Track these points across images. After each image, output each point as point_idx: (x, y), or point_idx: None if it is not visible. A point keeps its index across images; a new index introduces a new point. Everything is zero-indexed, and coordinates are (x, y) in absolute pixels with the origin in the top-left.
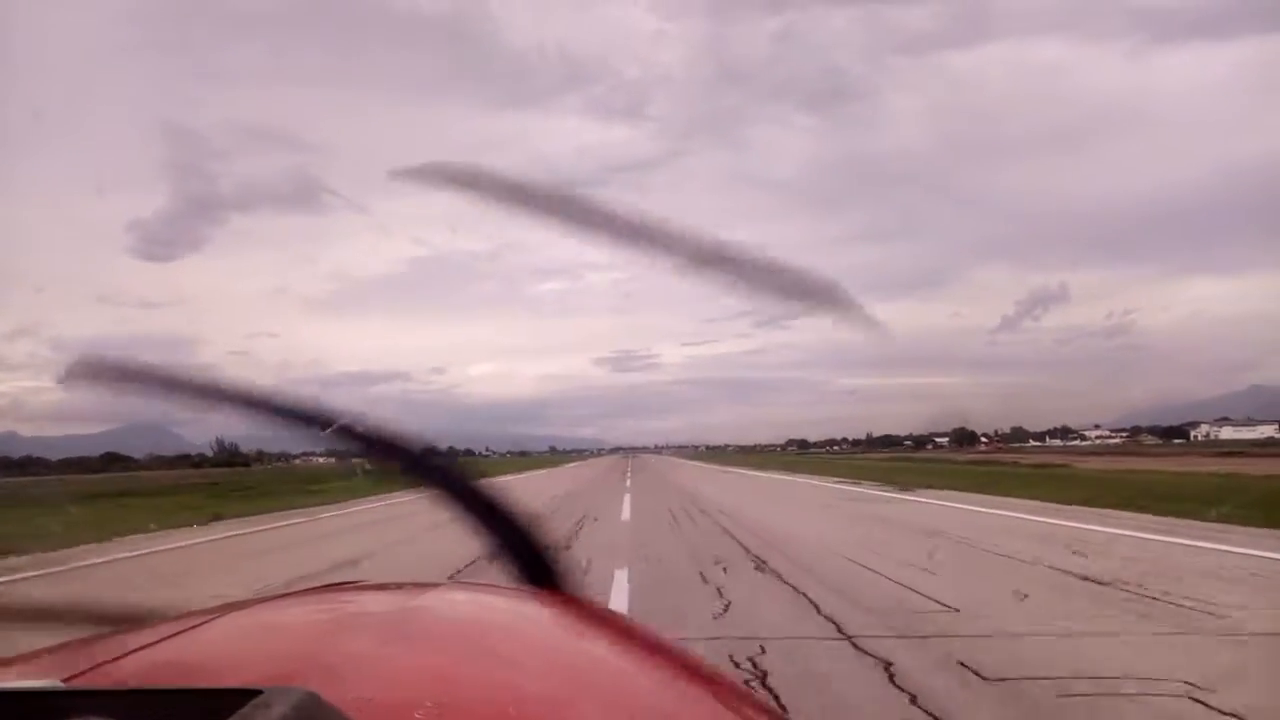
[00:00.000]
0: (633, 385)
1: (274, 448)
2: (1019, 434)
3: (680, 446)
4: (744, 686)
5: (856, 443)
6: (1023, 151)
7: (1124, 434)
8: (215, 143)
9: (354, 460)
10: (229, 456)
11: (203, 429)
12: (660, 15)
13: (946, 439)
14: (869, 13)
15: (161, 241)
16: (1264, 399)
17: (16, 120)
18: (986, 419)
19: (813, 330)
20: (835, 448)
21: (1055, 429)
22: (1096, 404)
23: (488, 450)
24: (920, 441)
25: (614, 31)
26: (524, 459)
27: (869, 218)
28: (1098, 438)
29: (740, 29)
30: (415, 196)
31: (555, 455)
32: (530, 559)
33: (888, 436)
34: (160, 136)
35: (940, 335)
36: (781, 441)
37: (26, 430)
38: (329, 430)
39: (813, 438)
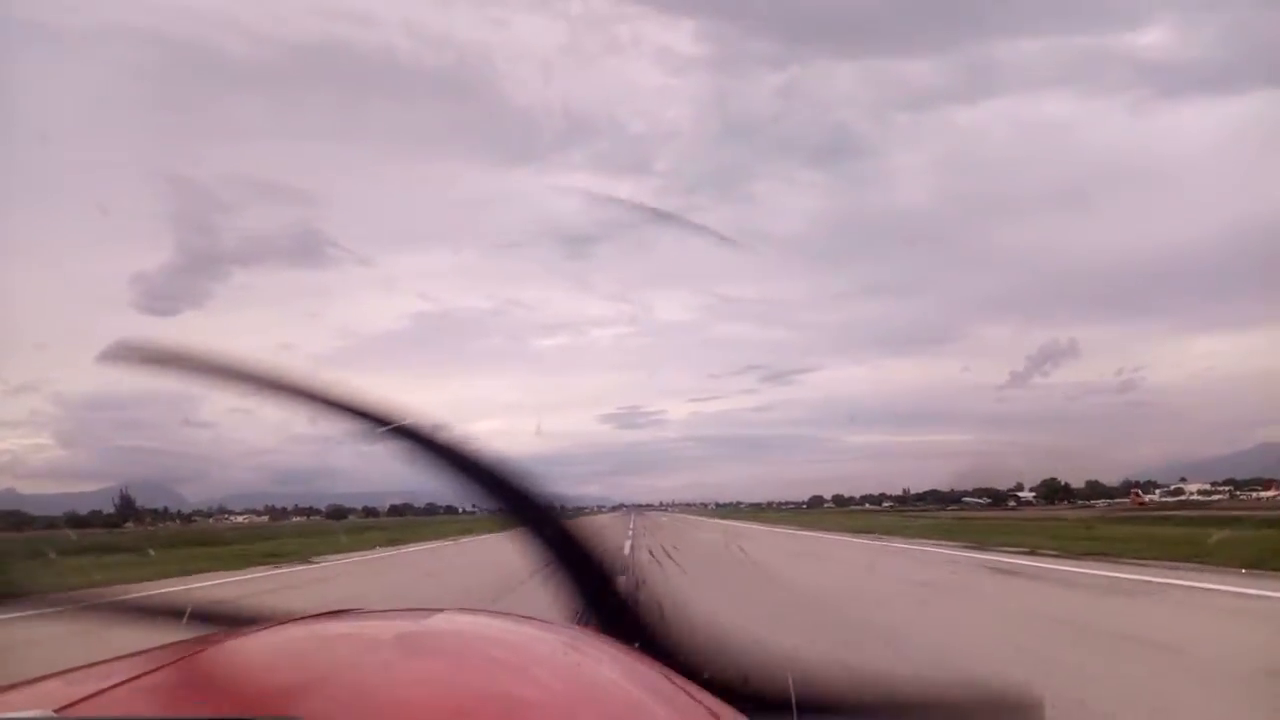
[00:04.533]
0: (638, 442)
1: (201, 504)
2: (1093, 489)
3: (688, 504)
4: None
5: (900, 499)
6: (1029, 207)
7: (1225, 488)
8: (218, 196)
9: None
10: (120, 516)
11: (206, 487)
12: (665, 71)
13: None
14: (872, 68)
15: (164, 296)
16: (1274, 456)
17: (16, 173)
18: (1015, 474)
19: (818, 388)
20: (888, 503)
21: (1135, 482)
22: (1107, 461)
23: (474, 507)
24: (951, 499)
25: (619, 88)
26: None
27: (874, 273)
28: (1199, 492)
29: (744, 84)
30: (419, 253)
31: None
32: (610, 607)
33: (933, 491)
34: (162, 190)
35: (949, 391)
36: (801, 499)
37: (25, 488)
38: (387, 429)
39: (825, 494)
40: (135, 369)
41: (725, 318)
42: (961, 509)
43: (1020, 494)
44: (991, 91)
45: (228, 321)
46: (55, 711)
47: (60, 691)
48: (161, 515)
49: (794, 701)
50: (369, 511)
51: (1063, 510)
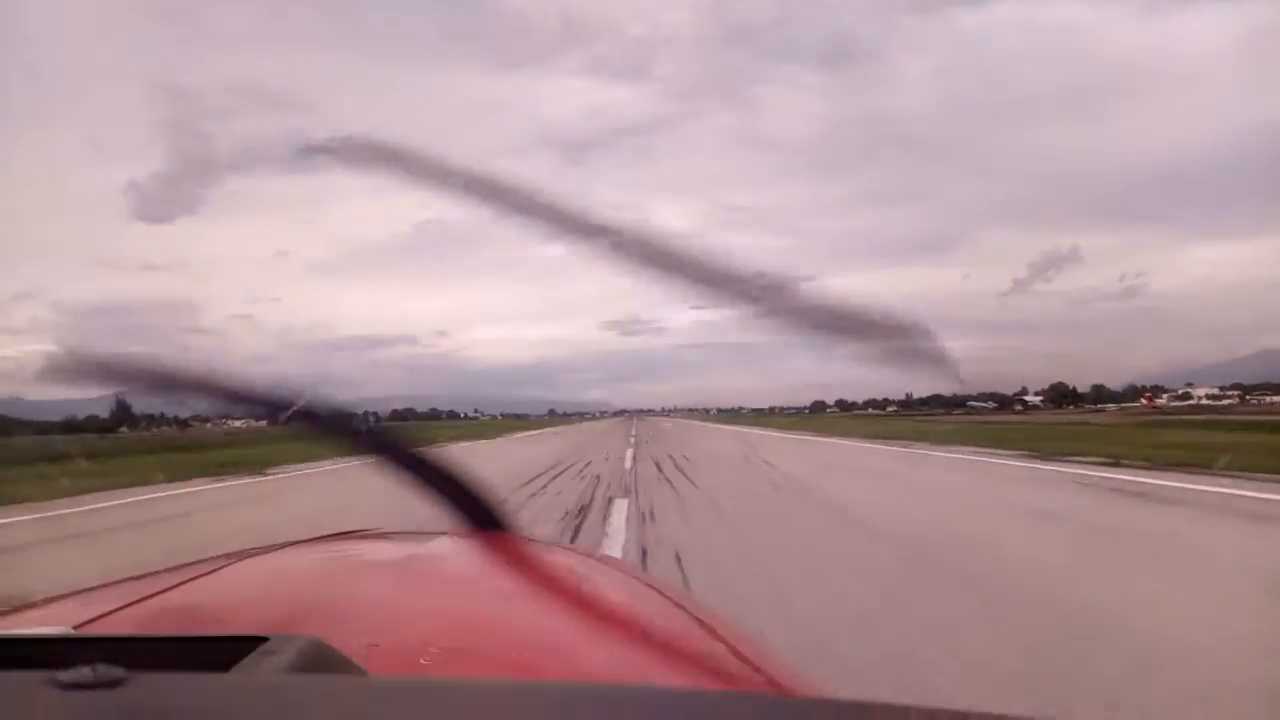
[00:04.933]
0: (639, 349)
1: (207, 413)
2: (1099, 394)
3: (690, 409)
4: (736, 624)
5: (903, 403)
6: (1034, 113)
7: (1233, 392)
8: (210, 102)
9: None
10: (114, 421)
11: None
12: None
13: (990, 402)
14: None
15: (159, 203)
16: (1274, 363)
17: (10, 85)
18: (1018, 380)
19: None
20: (892, 408)
21: (1129, 388)
22: (1108, 367)
23: (476, 412)
24: (955, 403)
25: None
26: (516, 422)
27: (877, 180)
28: (1207, 396)
29: None
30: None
31: (553, 419)
32: (481, 512)
33: (936, 396)
34: (154, 97)
35: (950, 298)
36: (802, 404)
37: (32, 395)
38: (287, 415)
39: (826, 399)
40: (71, 380)
41: (726, 225)
42: (968, 413)
43: (1026, 398)
44: None
45: (223, 228)
46: (73, 628)
47: (77, 609)
48: (158, 420)
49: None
50: (367, 416)
51: (1073, 414)
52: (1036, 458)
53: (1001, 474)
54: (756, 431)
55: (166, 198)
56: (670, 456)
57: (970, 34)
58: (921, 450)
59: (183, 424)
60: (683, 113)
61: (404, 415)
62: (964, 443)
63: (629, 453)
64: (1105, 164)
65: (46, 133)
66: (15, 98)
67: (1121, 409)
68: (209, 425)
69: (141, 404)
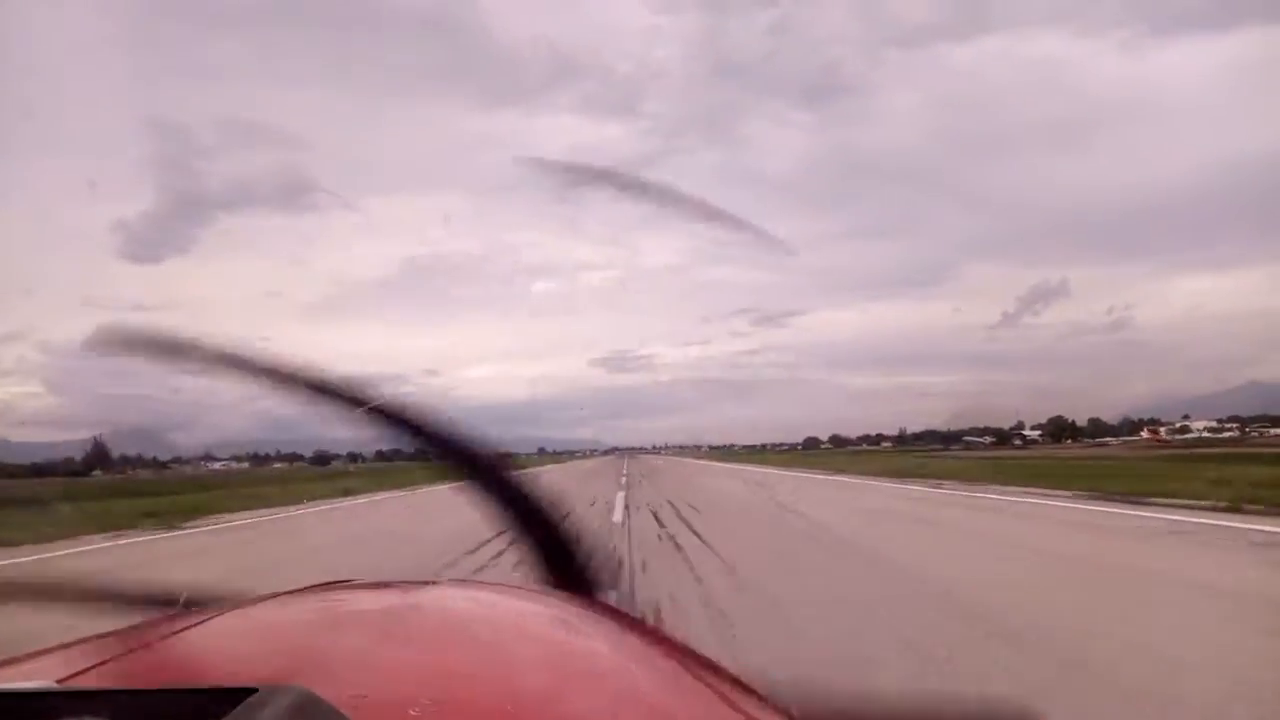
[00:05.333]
0: (629, 386)
1: (190, 452)
2: (1095, 426)
3: (680, 446)
4: (753, 685)
5: (898, 438)
6: (1020, 146)
7: (1231, 425)
8: (200, 139)
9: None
10: (86, 465)
11: (199, 434)
12: (653, 9)
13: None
14: (865, 3)
15: (148, 243)
16: (1261, 395)
17: None
18: (1008, 414)
19: (809, 330)
20: (886, 444)
21: (1125, 421)
22: (1098, 400)
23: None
24: (951, 438)
25: (606, 26)
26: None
27: (864, 214)
28: (1206, 429)
29: (735, 22)
30: (407, 197)
31: (543, 457)
32: (561, 560)
33: (931, 431)
34: (143, 133)
35: (939, 332)
36: (794, 441)
37: (16, 436)
38: (362, 409)
39: (818, 436)
40: (120, 353)
41: (714, 260)
42: (966, 448)
43: (1025, 433)
44: (984, 28)
45: (213, 268)
46: (57, 681)
47: (63, 663)
48: (135, 463)
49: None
50: (353, 457)
51: (1078, 449)
52: (1114, 500)
53: (1116, 528)
54: (760, 470)
55: (156, 237)
56: (670, 504)
57: (957, 68)
58: (963, 492)
59: (161, 465)
60: (671, 148)
61: (389, 456)
62: (1002, 481)
63: (619, 498)
64: (1092, 197)
65: (32, 170)
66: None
67: (1124, 442)
68: (188, 468)
69: (135, 446)
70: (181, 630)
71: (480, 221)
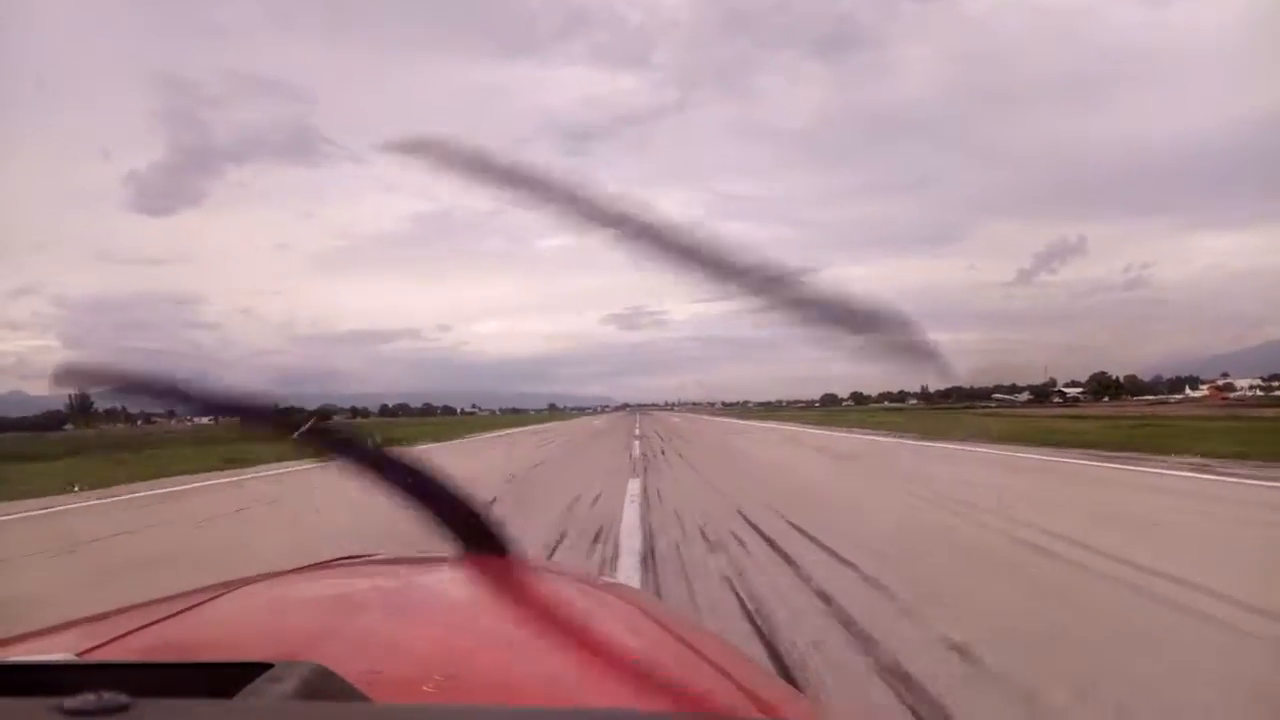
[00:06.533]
0: (640, 343)
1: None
2: (1129, 385)
3: (694, 403)
4: (740, 651)
5: (923, 396)
6: (1037, 101)
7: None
8: (208, 90)
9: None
10: (59, 419)
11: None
12: None
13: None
14: None
15: (159, 195)
16: (1279, 354)
17: (5, 78)
18: (1029, 372)
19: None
20: (912, 401)
21: (1174, 379)
22: (1117, 358)
23: (474, 407)
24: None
25: None
26: (509, 418)
27: (879, 169)
28: (1251, 387)
29: None
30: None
31: (552, 413)
32: (470, 527)
33: (957, 389)
34: (151, 85)
35: (954, 290)
36: (808, 397)
37: (33, 389)
38: (301, 431)
39: (833, 393)
40: (83, 387)
41: (726, 216)
42: (1000, 406)
43: (1067, 390)
44: None
45: (225, 221)
46: (77, 655)
47: (81, 636)
48: (115, 416)
49: None
50: (355, 413)
51: (1133, 408)
52: None
53: None
54: (786, 428)
55: (167, 190)
56: (714, 489)
57: (972, 20)
58: (1100, 464)
59: (147, 420)
60: (683, 101)
61: (394, 411)
62: (1127, 448)
63: (633, 489)
64: (1110, 152)
65: (44, 125)
66: (10, 90)
67: (1183, 401)
68: (173, 421)
69: (106, 401)
70: (198, 605)
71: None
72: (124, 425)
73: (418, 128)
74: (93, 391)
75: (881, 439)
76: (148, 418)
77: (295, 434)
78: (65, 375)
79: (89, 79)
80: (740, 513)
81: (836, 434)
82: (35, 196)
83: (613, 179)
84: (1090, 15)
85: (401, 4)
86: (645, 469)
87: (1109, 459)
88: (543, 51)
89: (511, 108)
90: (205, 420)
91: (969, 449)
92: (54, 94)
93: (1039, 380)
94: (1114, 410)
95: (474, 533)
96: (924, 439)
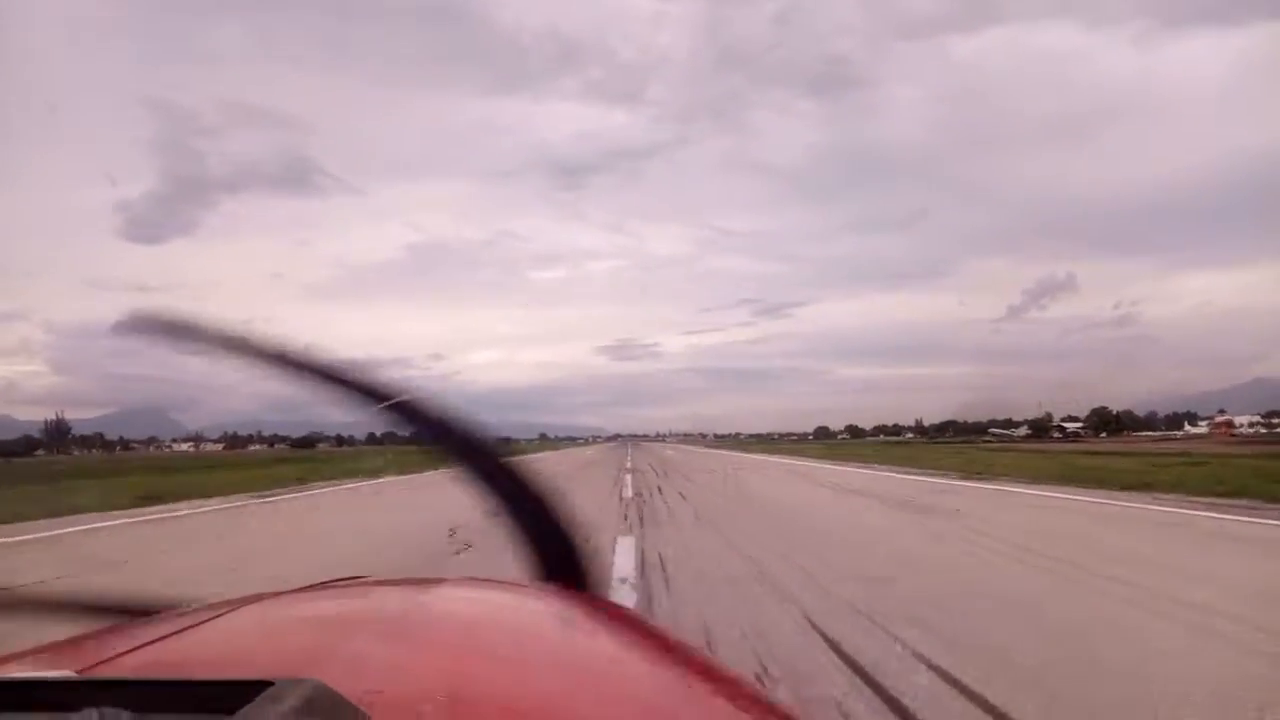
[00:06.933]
0: (633, 374)
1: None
2: (1129, 420)
3: (685, 434)
4: (758, 686)
5: (917, 429)
6: (1028, 140)
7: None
8: (202, 119)
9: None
10: (31, 445)
11: (203, 414)
12: None
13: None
14: None
15: (150, 224)
16: (1267, 391)
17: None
18: (1020, 407)
19: (813, 321)
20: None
21: (1171, 415)
22: (1106, 395)
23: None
24: (975, 430)
25: (610, 11)
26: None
27: (871, 206)
28: (1250, 424)
29: (740, 10)
30: (410, 181)
31: (544, 443)
32: (556, 552)
33: (952, 422)
34: (146, 116)
35: (944, 326)
36: (799, 430)
37: (21, 414)
38: (385, 405)
39: (823, 426)
40: (149, 339)
41: (719, 250)
42: (998, 440)
43: (1066, 425)
44: (991, 20)
45: (217, 250)
46: (77, 672)
47: (82, 653)
48: (90, 443)
49: None
50: (341, 441)
51: (1136, 443)
52: None
53: None
54: (815, 466)
55: (159, 218)
56: (758, 567)
57: (964, 61)
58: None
59: (125, 446)
60: (676, 137)
61: (382, 440)
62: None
63: (624, 562)
64: (1100, 192)
65: (36, 151)
66: (4, 115)
67: (1189, 436)
68: (151, 449)
69: (140, 426)
70: (199, 624)
71: (484, 208)
72: (100, 451)
73: (412, 157)
74: (160, 343)
75: (932, 480)
76: (126, 444)
77: (380, 406)
78: (130, 323)
79: (83, 106)
80: (813, 624)
81: (862, 471)
82: (26, 223)
83: (608, 212)
84: (1078, 59)
85: (395, 37)
86: (640, 517)
87: (1250, 510)
88: (536, 86)
89: (504, 141)
90: (187, 447)
91: (1057, 495)
92: (46, 121)
93: (1032, 415)
94: (1125, 446)
95: (558, 559)
96: (970, 479)
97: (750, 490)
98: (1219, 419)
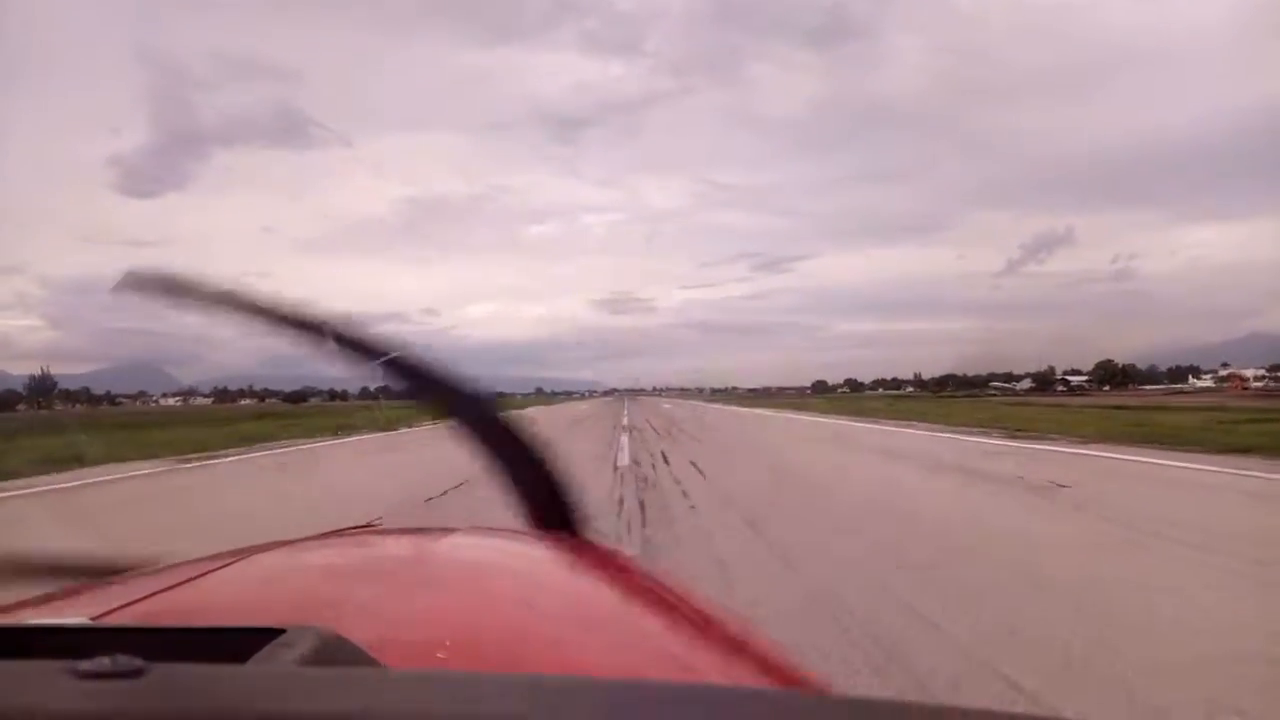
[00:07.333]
0: (629, 328)
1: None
2: (1133, 373)
3: (682, 389)
4: (753, 630)
5: (917, 383)
6: (1027, 92)
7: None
8: (195, 72)
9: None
10: (10, 400)
11: (200, 369)
12: None
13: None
14: None
15: (144, 178)
16: (1262, 346)
17: None
18: (1019, 361)
19: (812, 276)
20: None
21: (1174, 368)
22: (1103, 349)
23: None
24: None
25: None
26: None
27: (869, 159)
28: (1256, 377)
29: None
30: (403, 134)
31: (539, 398)
32: (549, 504)
33: (951, 376)
34: (139, 68)
35: (942, 279)
36: (797, 384)
37: (16, 369)
38: (380, 362)
39: (823, 380)
40: (147, 298)
41: (717, 204)
42: (1000, 394)
43: (1070, 378)
44: None
45: (210, 203)
46: (91, 619)
47: (96, 601)
48: (75, 398)
49: None
50: (334, 395)
51: (1153, 397)
52: None
53: None
54: (833, 423)
55: (153, 172)
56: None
57: (963, 12)
58: None
59: (112, 401)
60: (674, 89)
61: (375, 395)
62: None
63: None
64: (1098, 144)
65: (28, 106)
66: None
67: (1200, 390)
68: (138, 403)
69: (135, 381)
70: (211, 572)
71: (479, 161)
72: (84, 406)
73: (404, 110)
74: (159, 302)
75: (978, 440)
76: (113, 399)
77: (375, 361)
78: (129, 282)
79: (75, 59)
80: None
81: (892, 429)
82: (20, 177)
83: (605, 166)
84: (1080, 10)
85: None
86: (641, 502)
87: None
88: (531, 37)
89: (499, 93)
90: (174, 401)
91: (1147, 460)
92: (38, 74)
93: (1032, 368)
94: (1140, 399)
95: (551, 509)
96: (1016, 438)
97: (766, 448)
98: (1226, 373)
